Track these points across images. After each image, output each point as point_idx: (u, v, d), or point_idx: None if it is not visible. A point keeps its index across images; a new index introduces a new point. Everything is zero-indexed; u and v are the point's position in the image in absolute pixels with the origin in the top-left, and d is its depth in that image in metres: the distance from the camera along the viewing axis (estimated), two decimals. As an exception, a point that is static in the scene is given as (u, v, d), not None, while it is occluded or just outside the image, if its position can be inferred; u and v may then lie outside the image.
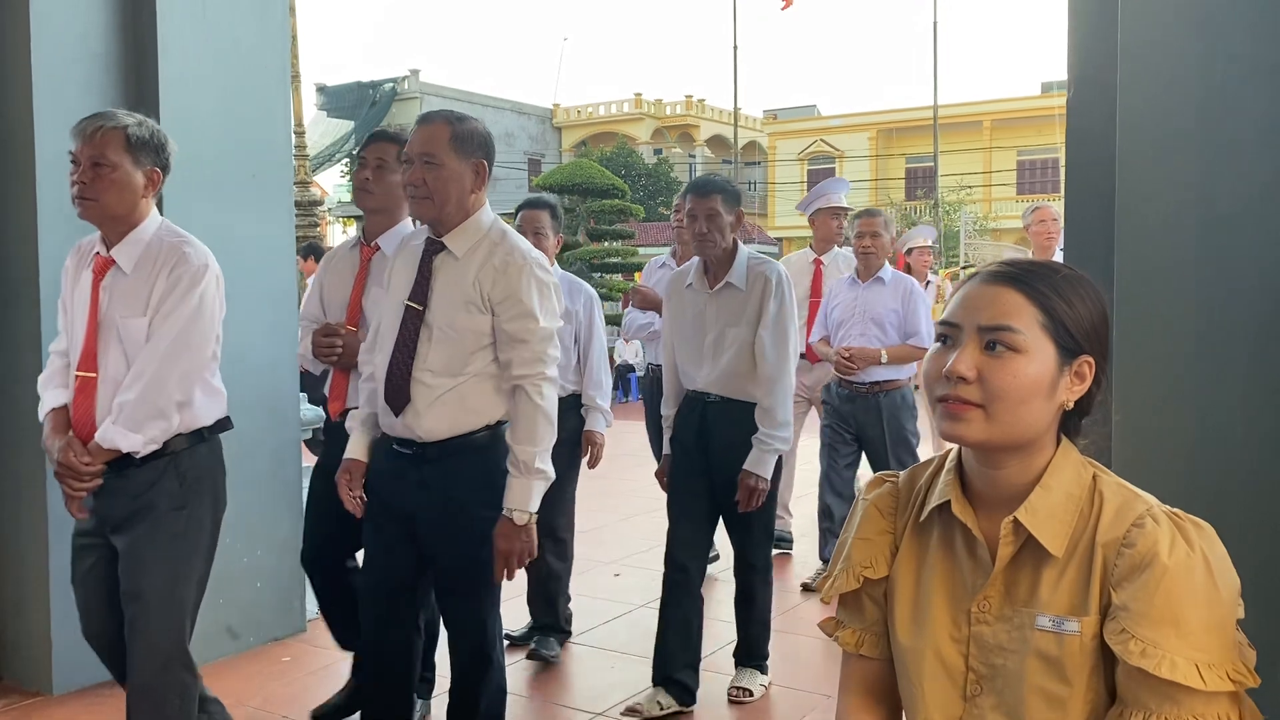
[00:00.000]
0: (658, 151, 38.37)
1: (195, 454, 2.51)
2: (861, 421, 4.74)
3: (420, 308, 2.52)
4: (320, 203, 10.94)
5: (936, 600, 1.30)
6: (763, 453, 3.29)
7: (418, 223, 2.91)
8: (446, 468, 2.51)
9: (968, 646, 1.27)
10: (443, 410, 2.50)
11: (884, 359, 4.66)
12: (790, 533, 5.49)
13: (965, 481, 1.31)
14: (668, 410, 3.60)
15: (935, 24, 27.15)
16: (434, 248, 2.56)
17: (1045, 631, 1.22)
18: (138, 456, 2.42)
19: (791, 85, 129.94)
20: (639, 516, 6.22)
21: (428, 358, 2.49)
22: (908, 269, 7.48)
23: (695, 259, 3.51)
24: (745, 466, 3.28)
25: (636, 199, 29.52)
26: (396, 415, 2.53)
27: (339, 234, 32.69)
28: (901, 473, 1.41)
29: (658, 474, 3.67)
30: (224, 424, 2.61)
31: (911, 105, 34.35)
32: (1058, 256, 5.79)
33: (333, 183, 34.71)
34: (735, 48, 28.01)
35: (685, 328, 3.48)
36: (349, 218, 34.41)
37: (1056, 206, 6.14)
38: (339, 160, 34.08)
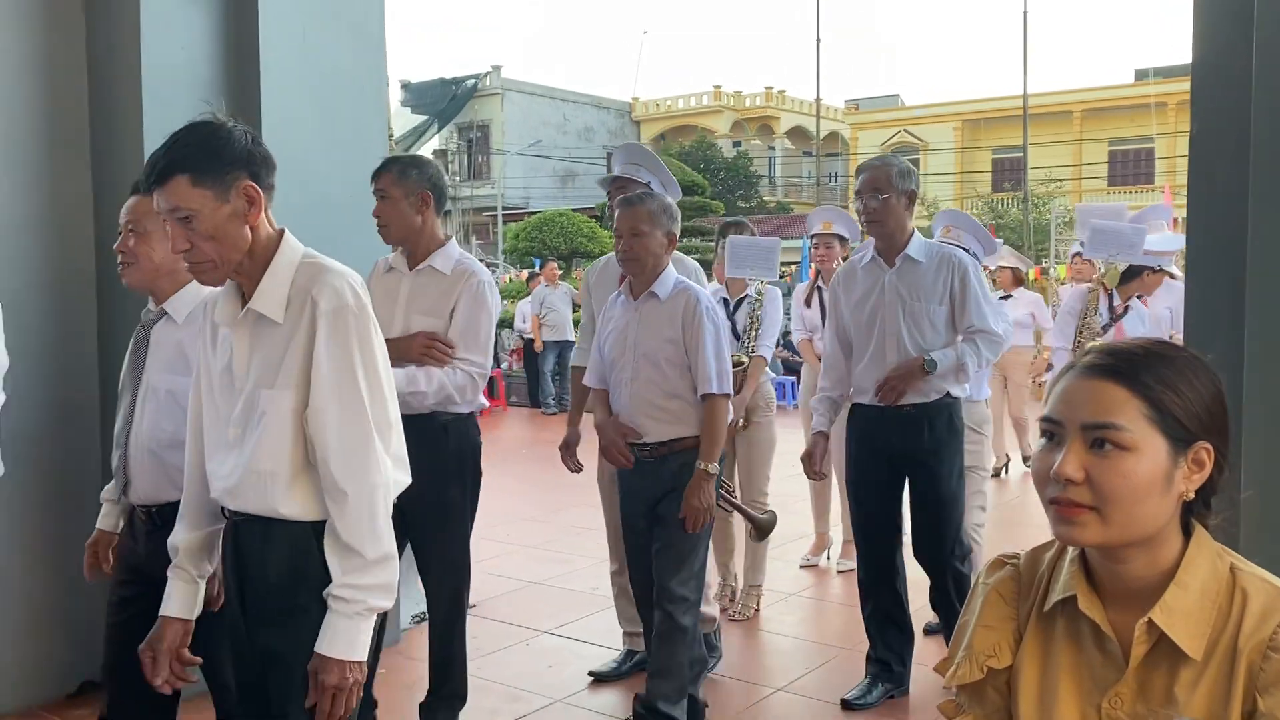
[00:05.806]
0: (737, 144, 38.13)
1: None
2: (657, 499, 3.25)
3: None
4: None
5: (1064, 694, 1.26)
6: (338, 618, 1.84)
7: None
8: None
9: None
10: None
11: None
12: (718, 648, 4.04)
13: (1089, 571, 1.27)
14: (181, 534, 2.06)
15: (1025, 10, 26.52)
16: None
17: None
18: None
19: (874, 74, 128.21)
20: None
21: None
22: (816, 272, 5.59)
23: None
24: (317, 649, 1.84)
25: (716, 193, 29.47)
26: None
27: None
28: (1022, 554, 1.38)
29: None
30: None
31: (998, 95, 33.58)
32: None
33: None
34: (818, 40, 27.75)
35: (211, 391, 2.02)
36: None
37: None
38: (412, 150, 34.67)
